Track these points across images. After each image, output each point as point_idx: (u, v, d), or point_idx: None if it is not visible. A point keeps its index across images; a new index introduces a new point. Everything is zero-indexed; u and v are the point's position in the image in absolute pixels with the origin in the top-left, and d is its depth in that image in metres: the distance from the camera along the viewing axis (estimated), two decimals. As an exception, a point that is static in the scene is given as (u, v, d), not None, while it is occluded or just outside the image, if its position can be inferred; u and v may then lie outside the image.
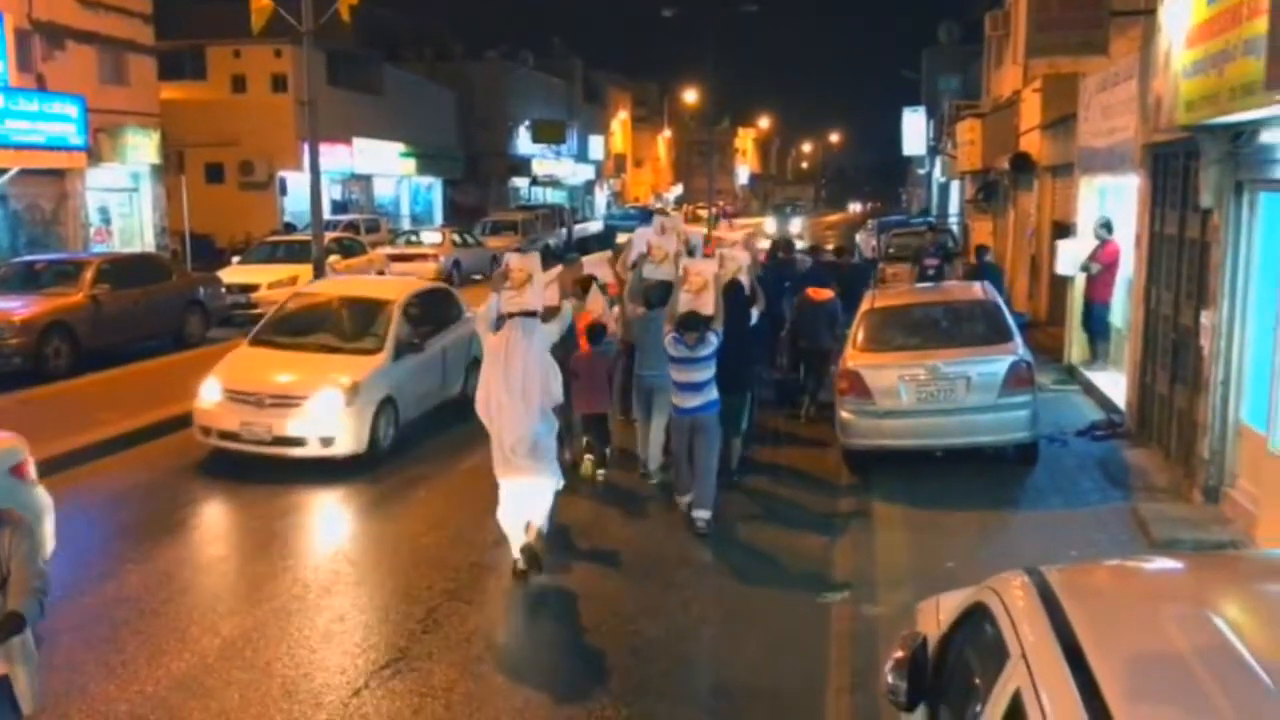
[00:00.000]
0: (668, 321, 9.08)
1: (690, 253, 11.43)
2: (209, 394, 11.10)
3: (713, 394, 8.92)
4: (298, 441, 10.70)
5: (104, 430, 11.88)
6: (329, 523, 9.74)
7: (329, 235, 22.44)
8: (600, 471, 10.50)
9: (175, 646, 6.84)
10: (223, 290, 19.72)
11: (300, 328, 12.20)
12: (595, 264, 13.09)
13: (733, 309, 9.53)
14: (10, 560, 4.21)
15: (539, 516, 8.04)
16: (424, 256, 28.17)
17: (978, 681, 2.90)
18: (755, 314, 10.24)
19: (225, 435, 10.91)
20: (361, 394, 10.91)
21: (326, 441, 10.72)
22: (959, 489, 9.66)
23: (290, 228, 30.45)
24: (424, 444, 11.84)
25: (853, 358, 10.32)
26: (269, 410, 10.76)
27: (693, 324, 8.79)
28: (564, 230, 41.56)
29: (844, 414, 10.19)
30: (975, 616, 3.20)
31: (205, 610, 7.46)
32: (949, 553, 8.02)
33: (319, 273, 18.94)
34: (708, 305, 9.06)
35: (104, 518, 9.53)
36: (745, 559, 8.59)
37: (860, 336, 10.58)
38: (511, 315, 8.05)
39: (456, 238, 30.57)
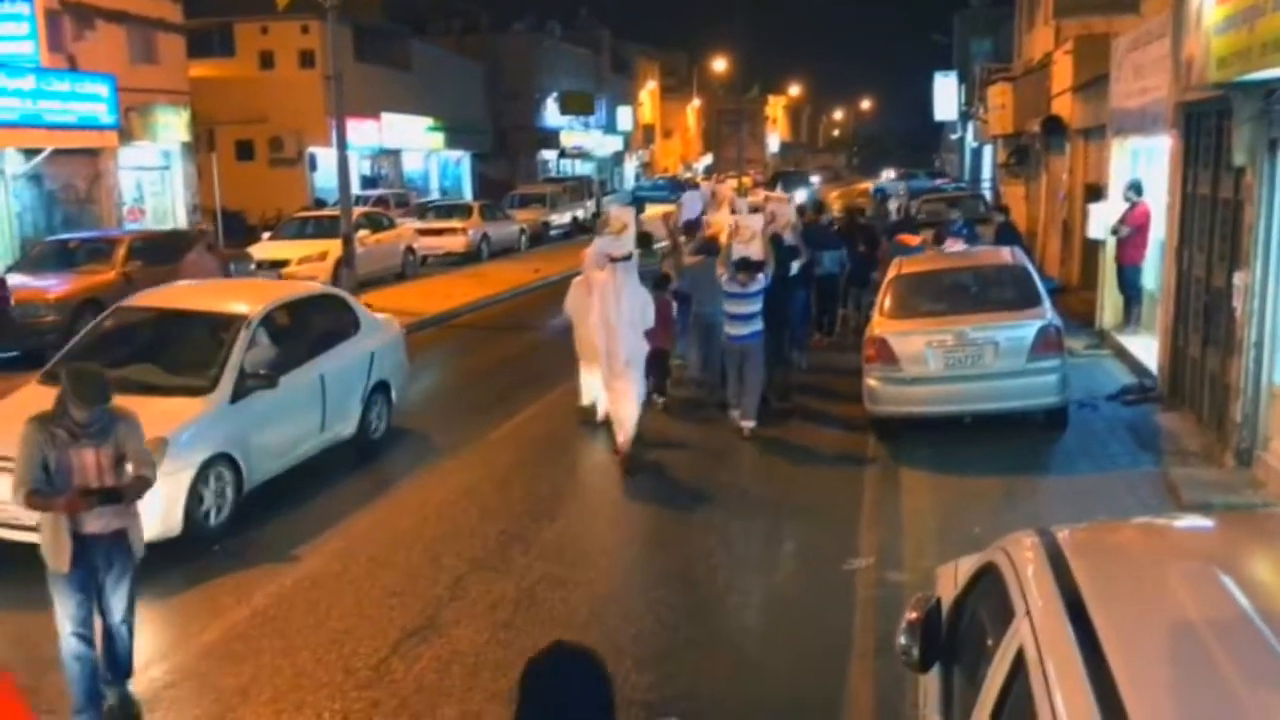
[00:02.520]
0: (720, 264, 10.95)
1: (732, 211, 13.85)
2: None
3: (759, 325, 10.77)
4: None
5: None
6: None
7: (357, 210, 22.55)
8: (661, 399, 11.89)
9: (206, 616, 6.97)
10: (253, 266, 19.90)
11: (114, 356, 8.72)
12: (652, 223, 14.66)
13: (776, 258, 11.32)
14: (126, 444, 5.56)
15: (632, 423, 9.98)
16: (453, 230, 28.23)
17: (989, 642, 2.90)
18: (795, 266, 12.14)
19: None
20: (170, 456, 7.58)
21: None
22: (987, 455, 9.61)
23: (320, 204, 30.61)
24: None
25: (880, 325, 10.27)
26: None
27: (745, 266, 10.65)
28: (592, 202, 41.50)
29: (871, 381, 10.15)
30: (986, 577, 3.19)
31: (237, 580, 7.57)
32: (975, 518, 7.99)
33: (348, 247, 19.08)
34: (758, 252, 10.89)
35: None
36: (770, 527, 8.61)
37: (887, 303, 10.52)
38: (615, 259, 10.01)
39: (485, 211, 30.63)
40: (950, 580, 4.03)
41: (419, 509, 9.08)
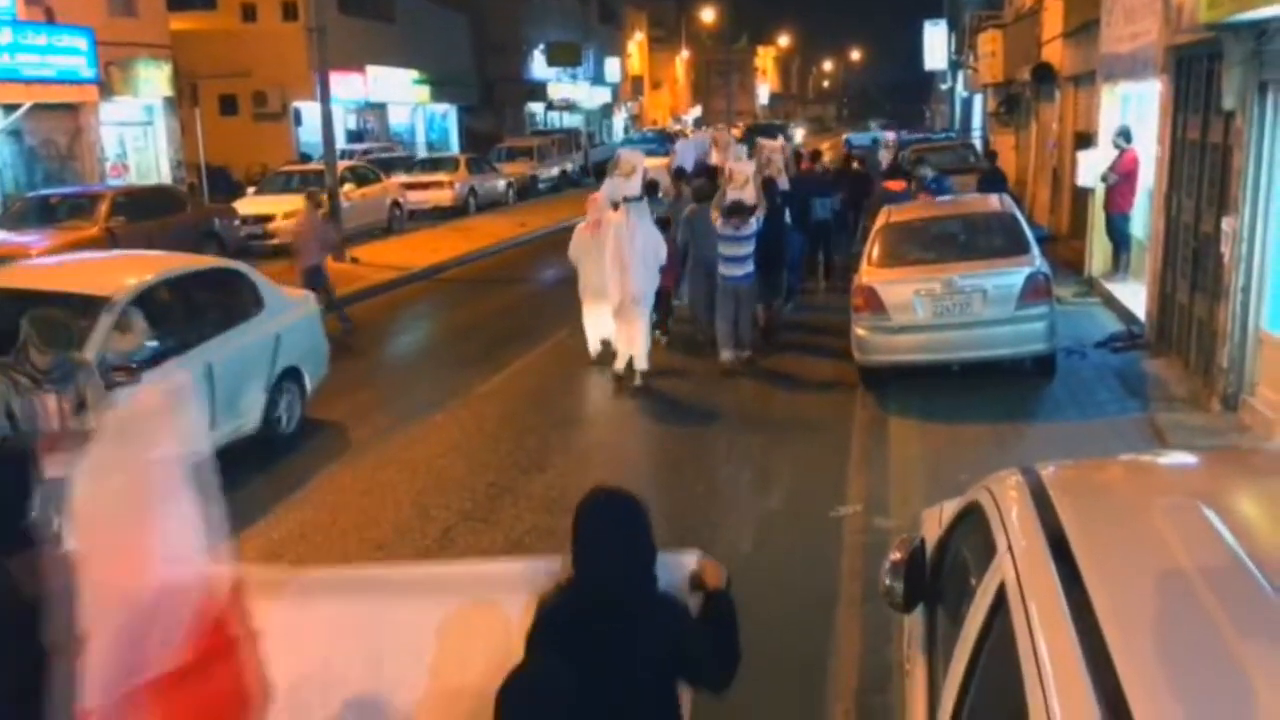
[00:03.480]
0: (714, 208, 11.30)
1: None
2: None
3: (751, 266, 11.28)
4: None
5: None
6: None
7: (342, 164, 22.36)
8: (664, 337, 12.48)
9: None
10: (238, 221, 19.80)
11: None
12: (657, 170, 15.13)
13: (769, 201, 11.84)
14: (87, 391, 5.69)
15: (641, 358, 10.76)
16: (440, 184, 28.07)
17: (971, 581, 2.89)
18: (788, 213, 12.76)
19: None
20: None
21: None
22: (975, 403, 9.62)
23: (305, 158, 30.35)
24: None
25: (868, 274, 10.22)
26: None
27: (738, 210, 11.09)
28: (580, 155, 41.18)
29: (859, 330, 10.13)
30: (969, 516, 3.18)
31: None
32: (963, 466, 7.98)
33: (333, 200, 18.93)
34: (750, 196, 11.29)
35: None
36: (757, 476, 8.63)
37: (875, 252, 10.46)
38: (627, 199, 10.77)
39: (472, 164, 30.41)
40: (935, 522, 4.03)
41: (407, 463, 9.07)
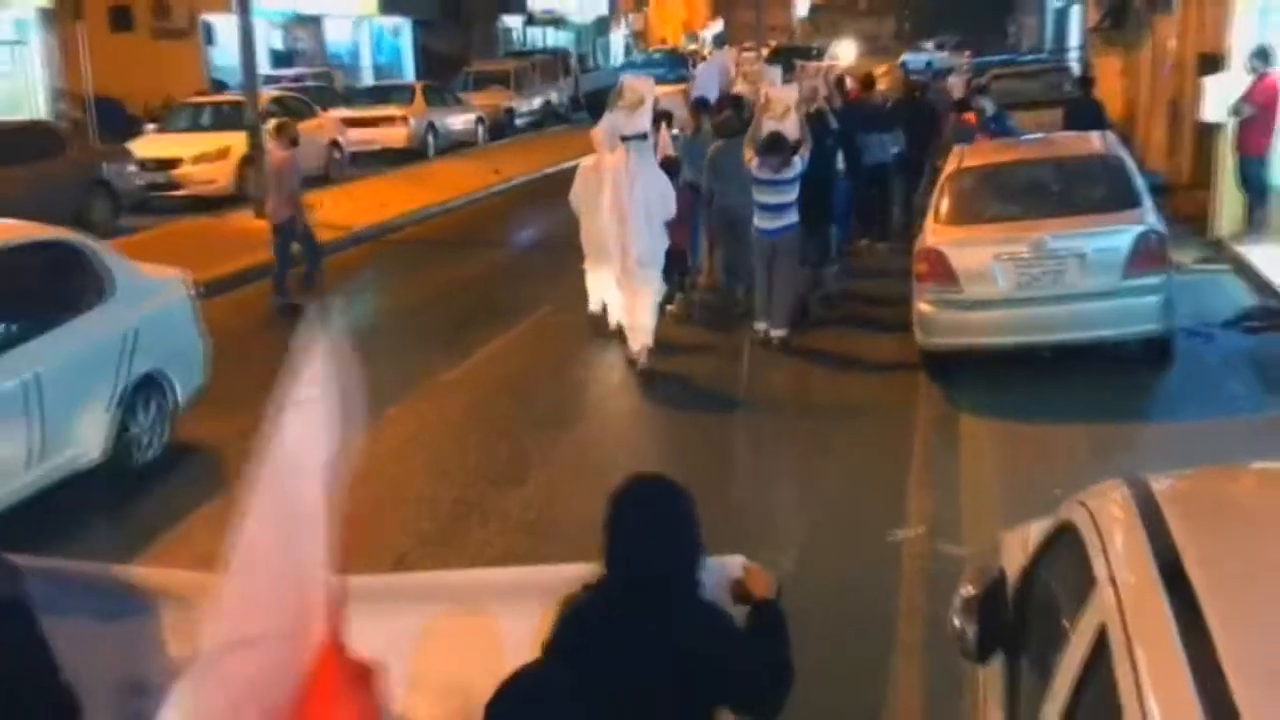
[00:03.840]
0: (748, 145, 11.49)
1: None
2: None
3: (794, 216, 11.38)
4: None
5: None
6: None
7: (266, 94, 22.34)
8: (669, 306, 12.45)
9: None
10: (134, 167, 19.82)
11: None
12: (670, 99, 15.06)
13: (817, 138, 12.03)
14: None
15: (647, 332, 10.87)
16: (390, 120, 28.10)
17: (1063, 621, 2.90)
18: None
19: None
20: None
21: None
22: (1069, 398, 9.64)
23: (220, 86, 30.33)
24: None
25: (935, 233, 10.25)
26: None
27: (777, 146, 11.16)
28: (570, 81, 41.07)
29: (923, 305, 10.15)
30: (1061, 540, 3.20)
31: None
32: (1054, 478, 7.98)
33: (254, 141, 18.91)
34: (791, 129, 11.45)
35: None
36: (799, 487, 8.66)
37: (944, 205, 10.49)
38: (627, 138, 10.82)
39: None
40: (1018, 548, 4.04)
41: (358, 468, 9.07)
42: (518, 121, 35.26)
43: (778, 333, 11.53)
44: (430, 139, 28.77)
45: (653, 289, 11.01)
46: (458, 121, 30.81)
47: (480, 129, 31.77)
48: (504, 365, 11.79)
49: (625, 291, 10.98)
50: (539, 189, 23.32)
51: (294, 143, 14.77)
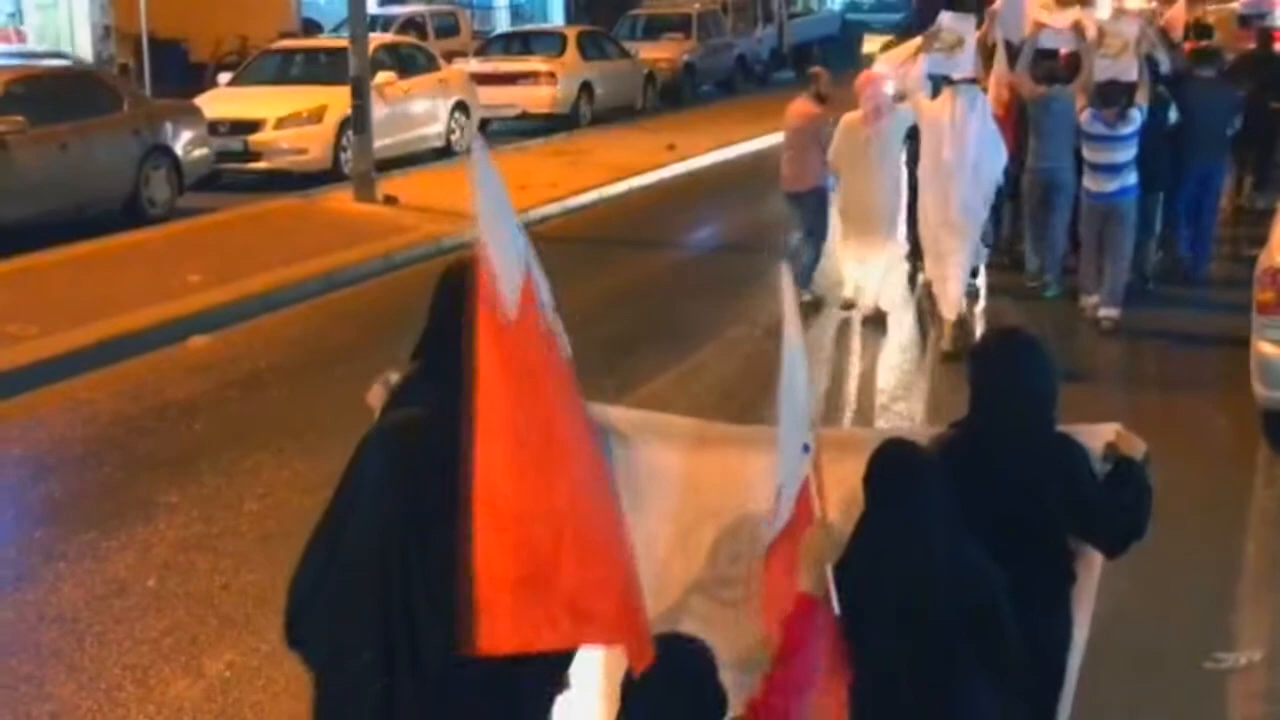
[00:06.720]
0: (1079, 92, 12.82)
1: None
2: None
3: (1133, 178, 12.67)
4: None
5: (14, 354, 12.50)
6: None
7: (375, 40, 22.83)
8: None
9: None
10: (204, 130, 20.11)
11: None
12: (890, 63, 15.49)
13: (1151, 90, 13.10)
14: None
15: (952, 306, 12.25)
16: (533, 76, 28.56)
17: None
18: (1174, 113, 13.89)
19: None
20: None
21: None
22: None
23: (312, 28, 31.16)
24: None
25: (1283, 248, 10.12)
26: None
27: (1113, 95, 12.42)
28: (772, 29, 41.10)
29: (1265, 345, 10.01)
30: None
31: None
32: None
33: (361, 99, 19.28)
34: (1130, 71, 12.73)
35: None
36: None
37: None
38: (951, 81, 12.42)
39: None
40: None
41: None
42: (700, 84, 35.48)
43: (1108, 312, 12.86)
44: (584, 104, 29.15)
45: (965, 257, 12.35)
46: (621, 81, 31.23)
47: (650, 91, 32.05)
48: (677, 405, 11.77)
49: (934, 256, 12.51)
50: (728, 173, 23.47)
51: (821, 99, 14.09)
